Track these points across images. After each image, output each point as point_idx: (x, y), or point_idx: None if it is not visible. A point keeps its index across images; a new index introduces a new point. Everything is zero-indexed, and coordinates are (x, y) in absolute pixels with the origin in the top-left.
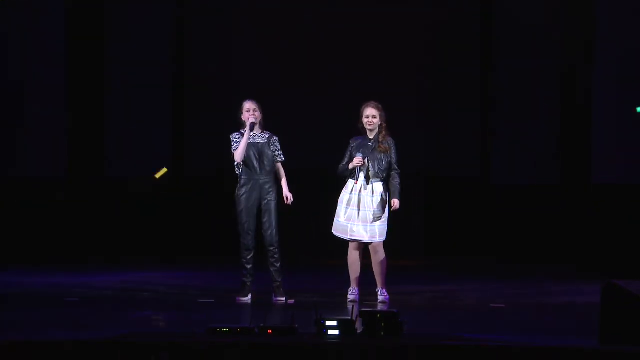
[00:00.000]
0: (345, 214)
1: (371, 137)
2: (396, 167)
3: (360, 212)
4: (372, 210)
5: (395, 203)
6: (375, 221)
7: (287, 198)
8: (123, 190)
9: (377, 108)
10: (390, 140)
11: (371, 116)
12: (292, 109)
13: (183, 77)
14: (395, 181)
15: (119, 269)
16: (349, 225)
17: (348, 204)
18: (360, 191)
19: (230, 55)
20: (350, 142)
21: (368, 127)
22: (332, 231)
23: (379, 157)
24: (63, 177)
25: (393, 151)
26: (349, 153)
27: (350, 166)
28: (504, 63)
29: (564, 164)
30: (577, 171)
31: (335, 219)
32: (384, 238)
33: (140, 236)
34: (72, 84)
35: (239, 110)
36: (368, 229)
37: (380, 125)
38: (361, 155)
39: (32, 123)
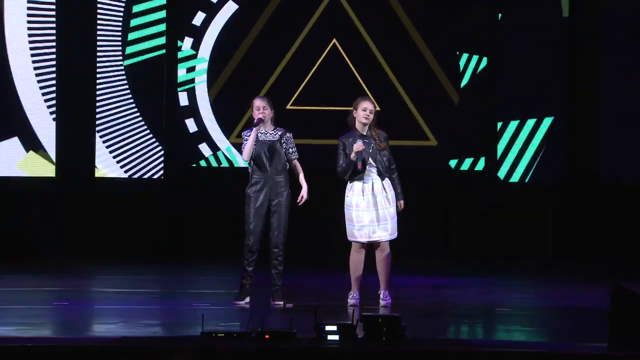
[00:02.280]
0: (366, 217)
1: (364, 133)
2: (394, 164)
3: (380, 212)
4: (387, 207)
5: (402, 205)
6: (390, 218)
7: (301, 198)
8: (118, 190)
9: (374, 103)
10: (383, 135)
11: (369, 110)
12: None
13: None
14: (397, 181)
15: (115, 271)
16: (371, 228)
17: (367, 207)
18: (373, 190)
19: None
20: (341, 140)
21: (364, 121)
22: (350, 238)
23: (382, 156)
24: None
25: (388, 147)
26: (343, 153)
27: (352, 155)
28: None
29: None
30: (585, 168)
31: (350, 224)
32: (396, 234)
33: (135, 238)
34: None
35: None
36: (388, 227)
37: (372, 121)
38: (361, 140)
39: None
